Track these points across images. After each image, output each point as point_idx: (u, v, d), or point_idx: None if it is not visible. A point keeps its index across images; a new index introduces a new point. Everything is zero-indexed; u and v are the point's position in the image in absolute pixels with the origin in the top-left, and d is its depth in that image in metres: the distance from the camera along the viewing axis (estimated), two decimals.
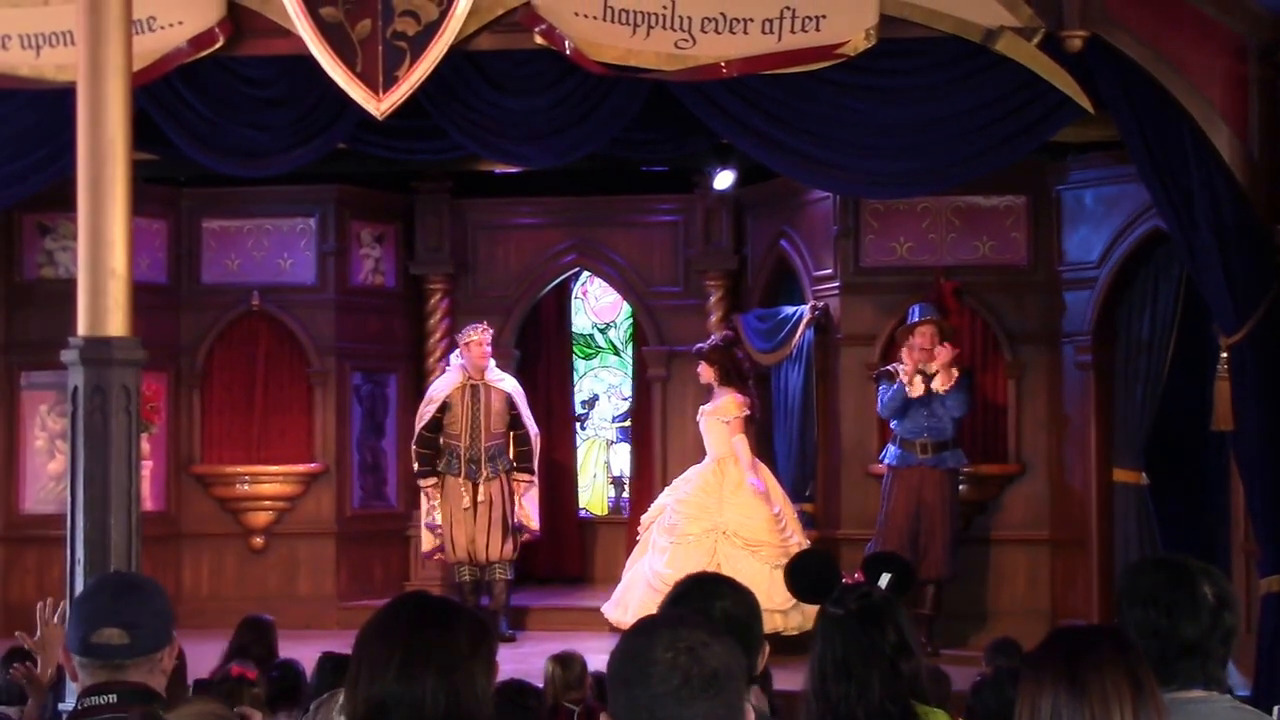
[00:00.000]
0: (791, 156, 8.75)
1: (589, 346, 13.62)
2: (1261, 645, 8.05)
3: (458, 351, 11.29)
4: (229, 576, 11.99)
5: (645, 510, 11.16)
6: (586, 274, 13.32)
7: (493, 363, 11.25)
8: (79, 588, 5.95)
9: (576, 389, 13.63)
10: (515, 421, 11.21)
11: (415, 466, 11.22)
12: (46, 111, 8.45)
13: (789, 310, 11.40)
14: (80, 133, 6.32)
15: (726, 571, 9.92)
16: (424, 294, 12.63)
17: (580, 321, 13.65)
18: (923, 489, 10.17)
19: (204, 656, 7.37)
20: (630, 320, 13.28)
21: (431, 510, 11.21)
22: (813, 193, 11.04)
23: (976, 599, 10.64)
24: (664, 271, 12.62)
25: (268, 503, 11.99)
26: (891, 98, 8.40)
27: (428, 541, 11.36)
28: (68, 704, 4.99)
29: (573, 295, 13.59)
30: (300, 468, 12.01)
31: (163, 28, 8.32)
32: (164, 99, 8.59)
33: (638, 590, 10.34)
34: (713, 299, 12.27)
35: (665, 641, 2.46)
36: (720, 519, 10.33)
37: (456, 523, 11.03)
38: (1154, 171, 8.14)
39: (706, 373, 10.82)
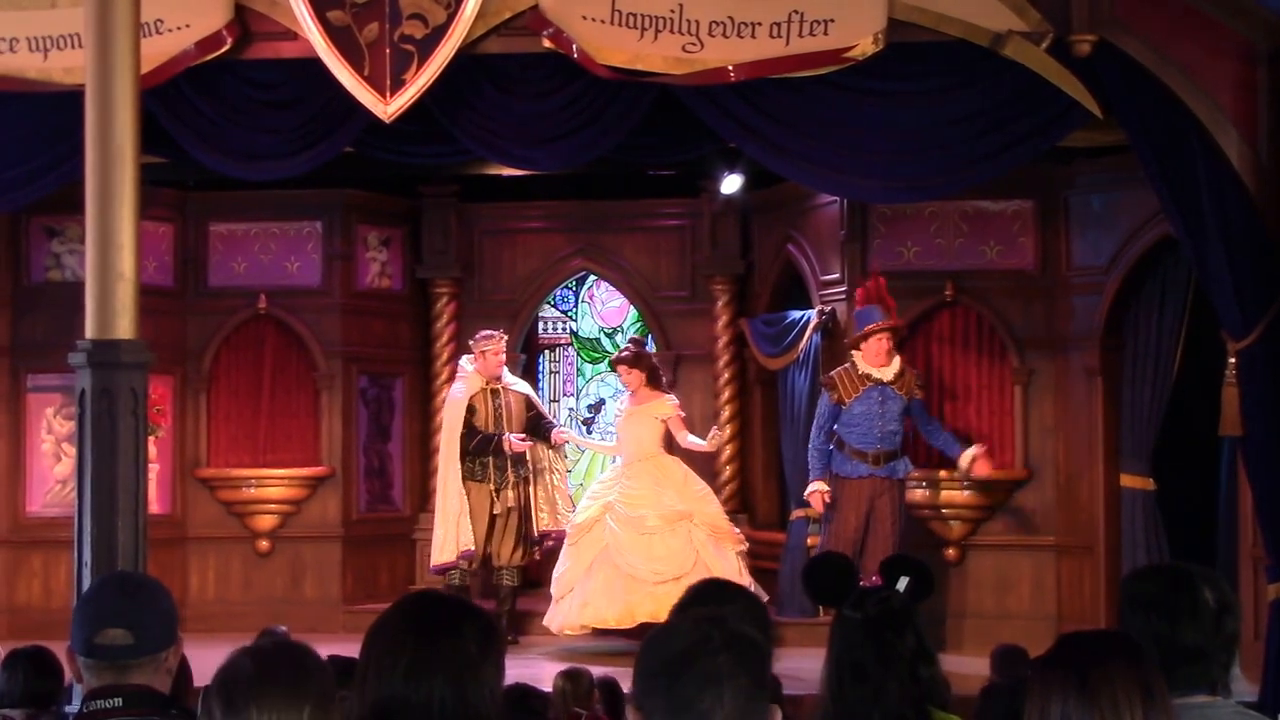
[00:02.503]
0: (798, 161, 8.75)
1: (595, 351, 13.61)
2: (1269, 652, 8.03)
3: (467, 358, 11.19)
4: (235, 580, 11.97)
5: None
6: (593, 278, 13.32)
7: (505, 367, 11.23)
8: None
9: (583, 393, 13.62)
10: (534, 422, 11.13)
11: (460, 468, 10.88)
12: (54, 114, 8.44)
13: (796, 315, 11.39)
14: (89, 136, 6.32)
15: (705, 559, 10.03)
16: (430, 298, 12.62)
17: (586, 326, 13.64)
18: (875, 499, 10.10)
19: (211, 661, 7.35)
20: (638, 324, 13.26)
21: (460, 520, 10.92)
22: (820, 197, 11.03)
23: (982, 604, 10.62)
24: (671, 276, 12.61)
25: (274, 506, 11.98)
26: (899, 102, 8.40)
27: (446, 552, 10.89)
28: (74, 706, 4.99)
29: (580, 299, 13.59)
30: (306, 471, 11.99)
31: (170, 30, 8.33)
32: (171, 102, 8.59)
33: (621, 591, 10.13)
34: (719, 304, 12.26)
35: (690, 616, 2.57)
36: (682, 507, 10.33)
37: (475, 525, 10.86)
38: (1162, 176, 8.14)
39: (636, 378, 10.78)
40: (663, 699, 2.44)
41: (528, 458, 11.06)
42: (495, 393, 11.03)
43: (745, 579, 9.77)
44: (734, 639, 2.47)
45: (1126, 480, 10.23)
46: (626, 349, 11.03)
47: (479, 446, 10.91)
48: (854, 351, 10.22)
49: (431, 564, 11.08)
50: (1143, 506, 10.12)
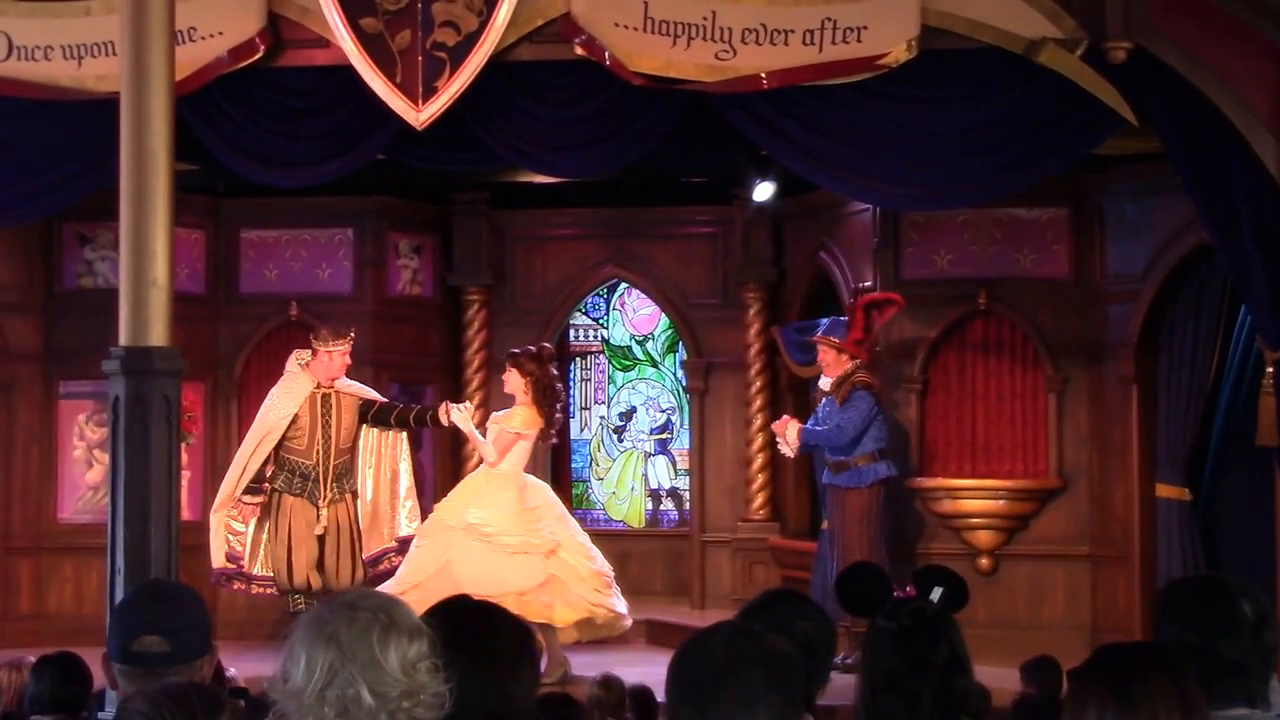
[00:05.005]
0: (831, 168, 8.74)
1: (626, 358, 13.60)
2: None
3: (297, 357, 10.28)
4: None
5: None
6: (624, 285, 13.31)
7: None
8: (119, 597, 5.95)
9: (614, 401, 13.61)
10: (383, 414, 10.17)
11: (245, 483, 10.02)
12: (87, 122, 8.48)
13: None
14: (123, 143, 6.33)
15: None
16: (461, 305, 12.63)
17: (618, 333, 13.63)
18: (838, 506, 10.15)
19: (241, 668, 7.39)
20: (669, 331, 13.24)
21: (239, 537, 10.09)
22: (852, 204, 11.00)
23: (1015, 614, 10.56)
24: (702, 283, 12.59)
25: None
26: (932, 109, 8.38)
27: (220, 559, 10.14)
28: (107, 713, 5.00)
29: (611, 307, 13.59)
30: None
31: (203, 38, 8.37)
32: (203, 109, 8.62)
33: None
34: (751, 311, 12.23)
35: (724, 629, 2.57)
36: (553, 538, 9.81)
37: (298, 545, 9.97)
38: (1197, 183, 8.11)
39: (514, 381, 9.93)
40: (697, 718, 2.45)
41: (354, 471, 10.20)
42: (327, 399, 10.12)
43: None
44: (767, 657, 2.46)
45: (1162, 490, 10.15)
46: (529, 350, 10.13)
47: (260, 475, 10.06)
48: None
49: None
50: (1178, 516, 10.04)
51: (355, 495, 10.21)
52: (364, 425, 10.27)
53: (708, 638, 2.56)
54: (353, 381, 10.42)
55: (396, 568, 9.97)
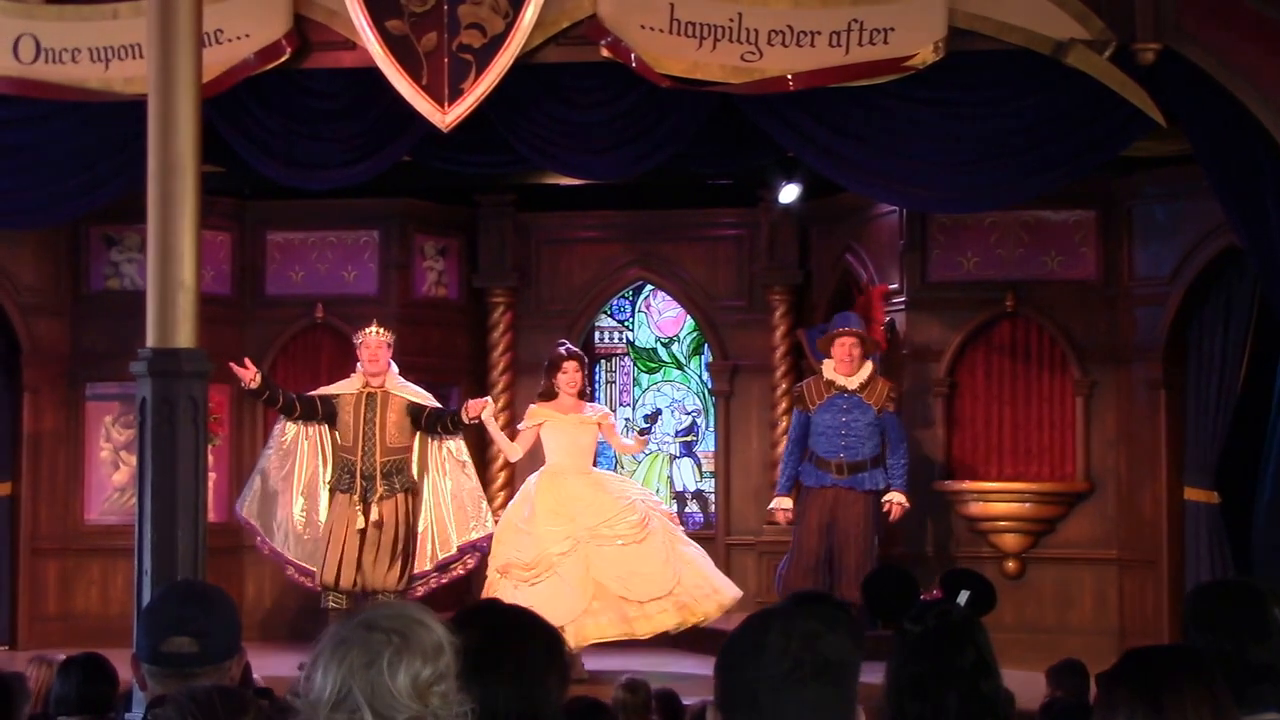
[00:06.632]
0: (857, 170, 8.73)
1: (652, 361, 13.58)
2: None
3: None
4: (292, 589, 11.95)
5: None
6: (650, 288, 13.29)
7: (395, 369, 10.31)
8: (146, 598, 5.97)
9: (639, 403, 13.60)
10: (432, 420, 10.11)
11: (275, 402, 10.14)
12: (114, 124, 8.51)
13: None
14: (150, 146, 6.36)
15: (682, 569, 9.72)
16: (487, 307, 12.62)
17: (643, 336, 13.62)
18: (837, 509, 10.04)
19: (267, 667, 7.40)
20: (695, 334, 13.22)
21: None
22: (879, 207, 10.98)
23: (1043, 618, 10.53)
24: (728, 286, 12.56)
25: None
26: (959, 111, 8.36)
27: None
28: (134, 714, 5.00)
29: (637, 309, 13.58)
30: None
31: (229, 40, 8.39)
32: (230, 111, 8.64)
33: (618, 608, 9.61)
34: (777, 314, 12.20)
35: (780, 627, 2.46)
36: (636, 516, 9.92)
37: (335, 543, 9.90)
38: (1226, 186, 8.07)
39: (580, 381, 10.12)
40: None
41: (410, 470, 10.14)
42: (373, 398, 10.10)
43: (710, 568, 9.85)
44: (824, 666, 2.42)
45: (1190, 494, 10.12)
46: (568, 345, 10.40)
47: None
48: (824, 361, 10.28)
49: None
50: (1207, 520, 10.01)
51: (412, 494, 10.11)
52: (417, 430, 10.21)
53: (759, 642, 2.46)
54: (408, 383, 10.39)
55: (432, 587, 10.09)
